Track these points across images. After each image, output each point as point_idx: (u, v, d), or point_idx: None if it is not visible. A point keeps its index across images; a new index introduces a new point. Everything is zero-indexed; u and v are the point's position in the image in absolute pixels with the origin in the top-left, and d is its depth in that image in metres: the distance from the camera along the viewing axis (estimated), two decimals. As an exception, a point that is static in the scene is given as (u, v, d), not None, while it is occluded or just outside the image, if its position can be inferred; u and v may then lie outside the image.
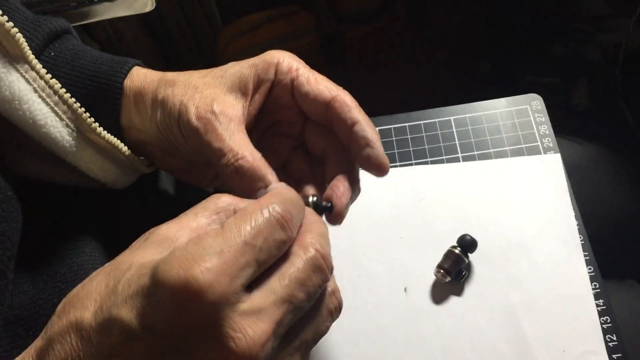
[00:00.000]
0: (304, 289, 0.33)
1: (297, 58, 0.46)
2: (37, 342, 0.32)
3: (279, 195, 0.35)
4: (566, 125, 1.36)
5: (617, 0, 1.22)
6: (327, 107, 0.44)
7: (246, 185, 0.41)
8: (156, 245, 0.33)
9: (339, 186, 0.43)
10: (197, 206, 0.36)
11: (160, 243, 0.33)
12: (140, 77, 0.47)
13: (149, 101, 0.46)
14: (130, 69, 0.48)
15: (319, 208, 0.42)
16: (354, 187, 0.45)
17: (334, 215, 0.43)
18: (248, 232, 0.31)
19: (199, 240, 0.30)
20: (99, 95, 0.47)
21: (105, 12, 0.72)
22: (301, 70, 0.45)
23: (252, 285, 0.31)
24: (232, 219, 0.32)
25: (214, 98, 0.43)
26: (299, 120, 0.47)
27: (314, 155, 0.47)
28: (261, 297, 0.31)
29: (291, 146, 0.48)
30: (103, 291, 0.31)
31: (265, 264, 0.32)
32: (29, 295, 0.43)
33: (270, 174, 0.40)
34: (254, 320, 0.30)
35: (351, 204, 0.45)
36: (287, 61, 0.45)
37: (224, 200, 0.36)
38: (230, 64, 0.46)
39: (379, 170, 0.44)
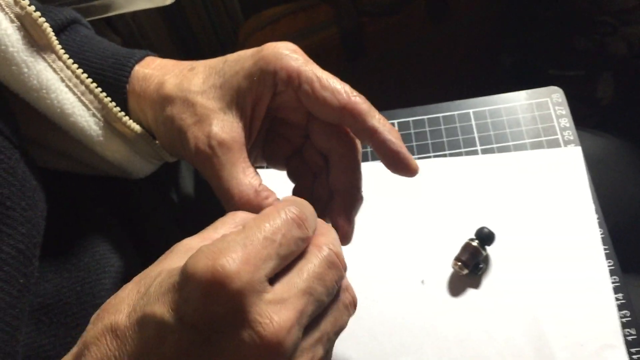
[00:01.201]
0: (322, 283, 0.33)
1: (295, 55, 0.43)
2: (73, 349, 0.33)
3: (293, 200, 0.36)
4: (590, 119, 1.35)
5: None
6: (338, 114, 0.42)
7: None
8: (182, 255, 0.34)
9: (342, 212, 0.44)
10: (216, 222, 0.37)
11: (186, 253, 0.34)
12: (142, 79, 0.47)
13: (152, 110, 0.46)
14: (134, 64, 0.48)
15: None
16: (356, 194, 0.45)
17: (340, 242, 0.43)
18: (268, 228, 0.32)
19: (223, 237, 0.32)
20: (105, 89, 0.47)
21: (126, 5, 0.73)
22: (303, 76, 0.42)
23: (273, 280, 0.32)
24: (251, 219, 0.33)
25: (212, 123, 0.42)
26: (305, 120, 0.46)
27: (320, 151, 0.47)
28: (283, 289, 0.32)
29: (302, 135, 0.48)
30: (135, 296, 0.33)
31: (286, 259, 0.33)
32: (53, 283, 0.44)
33: (271, 205, 0.41)
34: (279, 307, 0.31)
35: (356, 214, 0.45)
36: (285, 68, 0.42)
37: (241, 216, 0.38)
38: (229, 64, 0.44)
39: (409, 173, 0.44)
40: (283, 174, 0.49)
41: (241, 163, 0.42)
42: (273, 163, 0.50)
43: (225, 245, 0.31)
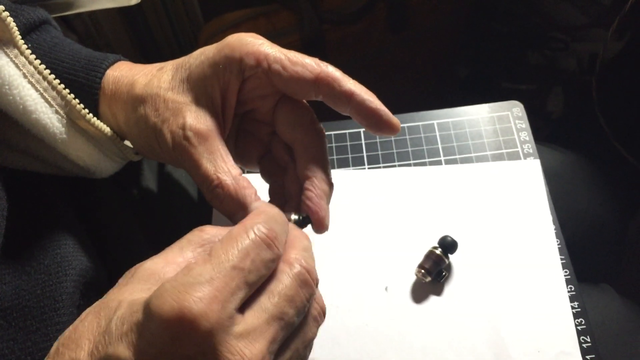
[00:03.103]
0: (293, 305, 0.33)
1: (259, 40, 0.43)
2: None
3: (262, 214, 0.35)
4: (541, 131, 1.39)
5: (593, 10, 1.25)
6: (313, 86, 0.42)
7: (226, 209, 0.41)
8: (143, 282, 0.34)
9: (313, 197, 0.43)
10: (181, 240, 0.37)
11: (148, 279, 0.33)
12: (113, 82, 0.46)
13: (123, 112, 0.46)
14: (107, 67, 0.47)
15: (300, 225, 0.43)
16: (327, 180, 0.44)
17: (316, 228, 0.43)
18: (235, 255, 0.32)
19: (188, 270, 0.31)
20: (76, 91, 0.46)
21: (90, 4, 0.71)
22: (271, 57, 0.42)
23: (244, 305, 0.32)
24: (218, 243, 0.33)
25: (185, 115, 0.42)
26: (272, 111, 0.46)
27: (287, 143, 0.47)
28: (254, 317, 0.32)
29: (270, 131, 0.48)
30: (95, 330, 0.32)
31: (256, 285, 0.33)
32: (12, 286, 0.42)
33: (249, 196, 0.41)
34: (249, 341, 0.31)
35: (329, 201, 0.45)
36: (252, 53, 0.42)
37: (208, 231, 0.37)
38: (194, 57, 0.44)
39: (391, 130, 0.43)
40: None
41: (219, 150, 0.42)
42: (246, 163, 0.50)
43: (190, 281, 0.30)
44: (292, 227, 0.40)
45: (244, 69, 0.42)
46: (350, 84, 0.42)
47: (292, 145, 0.45)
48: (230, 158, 0.42)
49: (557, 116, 1.40)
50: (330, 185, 0.45)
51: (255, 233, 0.33)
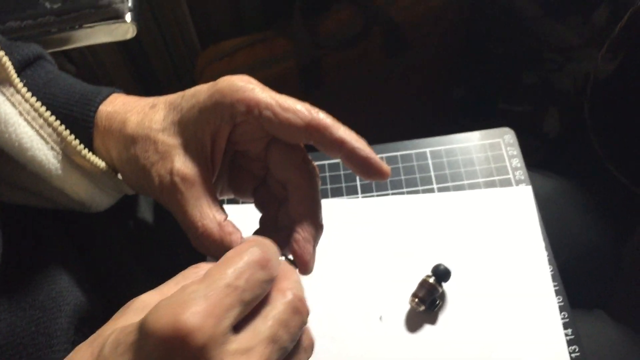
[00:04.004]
0: (286, 330, 0.33)
1: (250, 85, 0.43)
2: None
3: (255, 240, 0.36)
4: (537, 152, 1.40)
5: (586, 31, 1.25)
6: (304, 133, 0.42)
7: (212, 254, 0.42)
8: (139, 312, 0.34)
9: (300, 240, 0.43)
10: (177, 276, 0.37)
11: (142, 310, 0.33)
12: (106, 118, 0.47)
13: (116, 150, 0.46)
14: (101, 101, 0.47)
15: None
16: (316, 223, 0.44)
17: (301, 272, 0.43)
18: (230, 274, 0.32)
19: (182, 289, 0.31)
20: (71, 127, 0.46)
21: (86, 39, 0.72)
22: (262, 103, 0.42)
23: (238, 326, 0.32)
24: (213, 266, 0.33)
25: (173, 160, 0.42)
26: (264, 152, 0.46)
27: (279, 182, 0.47)
28: (248, 337, 0.32)
29: (264, 166, 0.48)
30: (89, 358, 0.32)
31: (251, 304, 0.33)
32: (7, 322, 0.42)
33: (234, 241, 0.41)
34: (244, 358, 0.31)
35: (317, 243, 0.45)
36: (242, 100, 0.42)
37: (204, 268, 0.37)
38: (186, 99, 0.44)
39: (382, 176, 0.43)
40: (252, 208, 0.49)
41: (205, 197, 0.42)
42: (240, 195, 0.50)
43: (185, 298, 0.30)
44: (284, 262, 0.40)
45: (235, 115, 0.42)
46: (341, 132, 0.42)
47: (285, 184, 0.46)
48: (217, 203, 0.42)
49: (554, 136, 1.41)
50: (319, 227, 0.45)
51: (249, 255, 0.34)
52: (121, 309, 0.36)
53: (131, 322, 0.32)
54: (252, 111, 0.42)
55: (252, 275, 0.33)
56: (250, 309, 0.33)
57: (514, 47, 1.42)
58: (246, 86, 0.43)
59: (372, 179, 0.44)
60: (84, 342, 0.34)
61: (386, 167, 0.43)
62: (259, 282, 0.33)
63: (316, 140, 0.43)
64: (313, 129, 0.42)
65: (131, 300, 0.36)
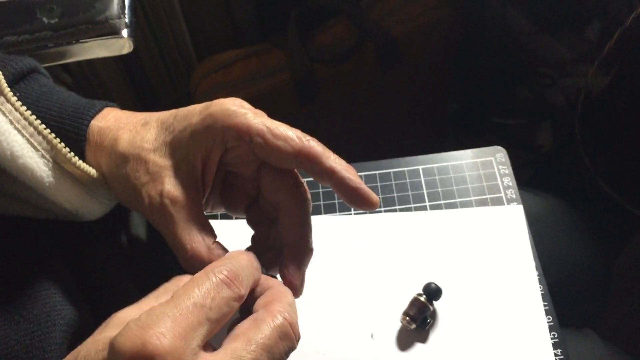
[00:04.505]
0: (270, 356, 0.34)
1: (242, 109, 0.43)
2: None
3: (226, 260, 0.37)
4: (530, 166, 1.41)
5: (579, 46, 1.27)
6: (295, 160, 0.43)
7: None
8: (115, 328, 0.34)
9: (289, 264, 0.44)
10: (159, 288, 0.38)
11: (119, 325, 0.34)
12: (97, 134, 0.47)
13: (107, 166, 0.46)
14: (93, 116, 0.48)
15: None
16: (305, 247, 0.45)
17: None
18: (197, 294, 0.33)
19: (150, 311, 0.32)
20: (64, 140, 0.47)
21: (83, 53, 0.72)
22: (254, 130, 0.42)
23: (208, 346, 0.33)
24: (181, 287, 0.34)
25: (164, 181, 0.43)
26: (256, 173, 0.47)
27: (271, 203, 0.47)
28: (223, 359, 0.32)
29: (255, 186, 0.48)
30: None
31: (219, 322, 0.33)
32: (0, 335, 0.42)
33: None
34: None
35: (306, 266, 0.45)
36: (234, 125, 0.42)
37: (184, 280, 0.38)
38: (178, 119, 0.45)
39: (371, 206, 0.44)
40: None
41: (194, 220, 0.42)
42: (231, 211, 0.50)
43: (152, 319, 0.31)
44: (278, 283, 0.41)
45: (226, 140, 0.43)
46: (331, 161, 0.43)
47: (276, 207, 0.46)
48: (206, 226, 0.43)
49: (547, 150, 1.42)
50: (309, 251, 0.45)
51: (215, 275, 0.34)
52: (102, 325, 0.36)
53: (107, 338, 0.33)
54: (243, 137, 0.42)
55: (217, 293, 0.33)
56: (220, 327, 0.34)
57: (507, 62, 1.43)
58: (238, 111, 0.43)
59: (360, 208, 0.44)
60: (65, 358, 0.34)
61: (375, 197, 0.44)
62: (225, 299, 0.34)
63: (306, 168, 0.43)
64: (303, 157, 0.42)
65: (111, 316, 0.36)
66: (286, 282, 0.44)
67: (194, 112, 0.44)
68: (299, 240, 0.45)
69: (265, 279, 0.41)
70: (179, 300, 0.32)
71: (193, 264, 0.42)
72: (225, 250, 0.43)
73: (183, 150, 0.44)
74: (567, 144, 1.37)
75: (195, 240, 0.42)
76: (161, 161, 0.44)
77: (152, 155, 0.44)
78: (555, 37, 1.30)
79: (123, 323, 0.33)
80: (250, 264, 0.38)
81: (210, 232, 0.43)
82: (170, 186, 0.42)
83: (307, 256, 0.45)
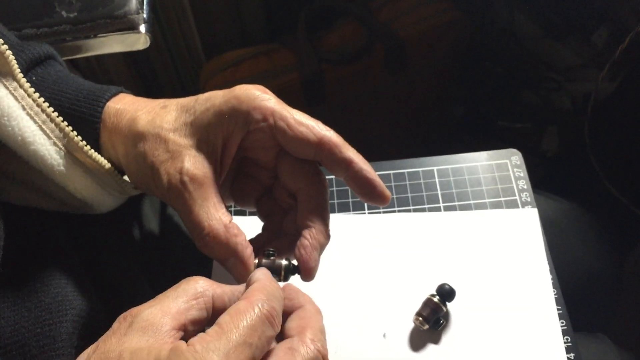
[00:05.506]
0: None
1: (267, 95, 0.45)
2: None
3: (264, 291, 0.37)
4: (536, 170, 1.41)
5: (586, 52, 1.27)
6: (315, 148, 0.44)
7: (216, 256, 0.43)
8: (142, 332, 0.35)
9: (307, 246, 0.44)
10: (177, 289, 0.38)
11: (146, 330, 0.35)
12: (114, 115, 0.47)
13: (123, 146, 0.47)
14: (109, 98, 0.48)
15: (288, 271, 0.44)
16: (325, 232, 0.46)
17: (303, 278, 0.45)
18: (246, 330, 0.34)
19: (205, 343, 0.32)
20: (78, 123, 0.47)
21: (100, 47, 0.73)
22: (277, 114, 0.44)
23: None
24: (228, 316, 0.35)
25: (184, 159, 0.43)
26: (274, 161, 0.47)
27: (289, 191, 0.48)
28: None
29: (271, 175, 0.49)
30: None
31: (258, 358, 0.34)
32: (12, 321, 0.43)
33: (239, 243, 0.42)
34: None
35: (322, 252, 0.46)
36: (259, 108, 0.43)
37: (202, 285, 0.38)
38: (200, 102, 0.45)
39: (383, 201, 0.45)
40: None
41: (212, 198, 0.43)
42: (241, 202, 0.50)
43: (208, 354, 0.32)
44: (309, 302, 0.41)
45: (250, 122, 0.44)
46: (351, 152, 0.44)
47: (295, 194, 0.47)
48: (223, 205, 0.43)
49: (552, 155, 1.42)
50: (327, 237, 0.46)
51: (260, 309, 0.35)
52: (120, 321, 0.36)
53: (136, 344, 0.33)
54: (267, 119, 0.43)
55: (263, 332, 0.34)
56: None
57: (514, 66, 1.43)
58: (263, 95, 0.44)
59: (372, 202, 0.45)
60: (86, 355, 0.35)
61: (387, 192, 0.45)
62: (267, 338, 0.35)
63: (325, 156, 0.44)
64: (324, 146, 0.43)
65: (130, 313, 0.36)
66: (302, 263, 0.44)
67: (216, 95, 0.45)
68: (319, 225, 0.45)
69: (296, 293, 0.42)
70: (231, 336, 0.33)
71: (209, 243, 0.42)
72: (241, 231, 0.43)
73: (204, 130, 0.44)
74: (573, 148, 1.37)
75: (213, 218, 0.42)
76: (181, 140, 0.44)
77: (172, 135, 0.44)
78: (562, 42, 1.30)
79: (148, 327, 0.34)
80: (280, 295, 0.39)
81: (227, 212, 0.43)
82: (190, 164, 0.43)
83: (325, 241, 0.46)
